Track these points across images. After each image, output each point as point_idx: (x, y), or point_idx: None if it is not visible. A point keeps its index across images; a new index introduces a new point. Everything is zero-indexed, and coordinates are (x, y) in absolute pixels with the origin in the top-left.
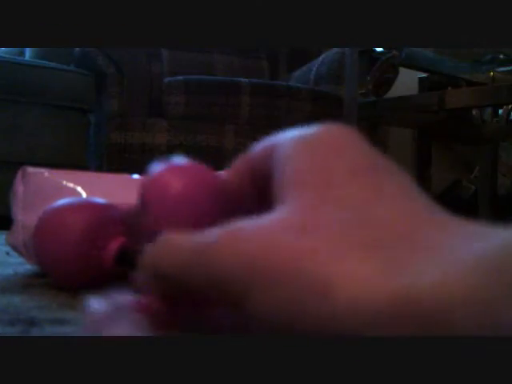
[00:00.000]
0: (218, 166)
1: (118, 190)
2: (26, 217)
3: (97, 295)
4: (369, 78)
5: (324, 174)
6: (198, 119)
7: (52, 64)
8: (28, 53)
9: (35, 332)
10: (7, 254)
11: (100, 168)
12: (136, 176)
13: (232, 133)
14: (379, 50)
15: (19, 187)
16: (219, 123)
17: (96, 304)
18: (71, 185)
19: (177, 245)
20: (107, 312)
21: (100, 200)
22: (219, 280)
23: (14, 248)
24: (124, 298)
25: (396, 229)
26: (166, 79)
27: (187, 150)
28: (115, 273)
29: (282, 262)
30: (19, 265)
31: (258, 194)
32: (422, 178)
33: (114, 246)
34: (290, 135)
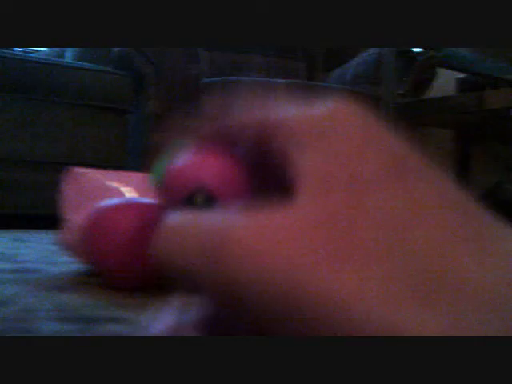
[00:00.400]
0: None
1: None
2: (73, 216)
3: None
4: (407, 78)
5: (351, 172)
6: None
7: (91, 65)
8: (67, 54)
9: (93, 330)
10: (54, 252)
11: (139, 168)
12: None
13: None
14: (417, 50)
15: (67, 188)
16: None
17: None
18: (117, 184)
19: (183, 235)
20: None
21: (145, 199)
22: (229, 288)
23: (65, 247)
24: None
25: (440, 263)
26: (204, 80)
27: None
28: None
29: (313, 296)
30: (68, 263)
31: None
32: (462, 181)
33: None
34: (301, 115)
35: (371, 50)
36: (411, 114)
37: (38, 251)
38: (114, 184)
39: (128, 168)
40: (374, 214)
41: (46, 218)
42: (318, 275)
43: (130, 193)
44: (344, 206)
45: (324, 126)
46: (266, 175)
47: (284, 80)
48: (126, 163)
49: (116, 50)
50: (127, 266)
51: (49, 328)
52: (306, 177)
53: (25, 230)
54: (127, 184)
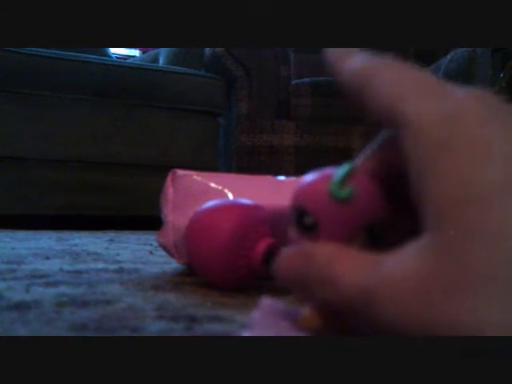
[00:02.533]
0: None
1: (264, 191)
2: (176, 218)
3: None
4: (502, 75)
5: (486, 192)
6: (325, 121)
7: (185, 69)
8: (161, 59)
9: (197, 329)
10: (150, 253)
11: (229, 169)
12: (281, 177)
13: (359, 134)
14: None
15: (169, 189)
16: (346, 124)
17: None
18: (219, 186)
19: (337, 279)
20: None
21: (247, 201)
22: (378, 318)
23: (164, 248)
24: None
25: None
26: (293, 81)
27: (314, 152)
28: (263, 273)
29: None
30: (165, 264)
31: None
32: None
33: (262, 246)
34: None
35: (463, 48)
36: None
37: (135, 252)
38: (218, 186)
39: (219, 170)
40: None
41: (139, 220)
42: (445, 311)
43: (233, 195)
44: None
45: (458, 127)
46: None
47: None
48: (216, 165)
49: (208, 53)
50: (229, 266)
51: (155, 327)
52: (438, 202)
53: (120, 232)
54: (231, 186)
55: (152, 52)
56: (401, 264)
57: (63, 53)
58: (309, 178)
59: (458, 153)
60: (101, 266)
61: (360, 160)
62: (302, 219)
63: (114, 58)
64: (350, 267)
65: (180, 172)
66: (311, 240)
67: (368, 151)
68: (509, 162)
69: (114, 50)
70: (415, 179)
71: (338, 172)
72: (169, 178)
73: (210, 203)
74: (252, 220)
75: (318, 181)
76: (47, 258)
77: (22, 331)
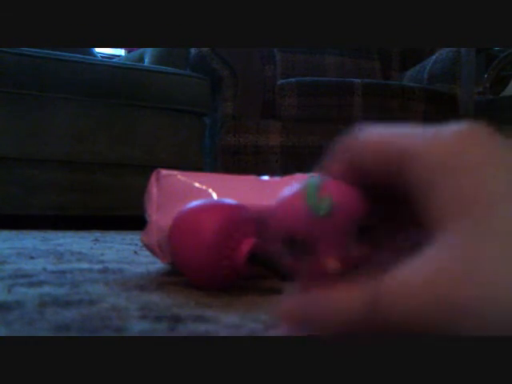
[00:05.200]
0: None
1: (248, 191)
2: (160, 217)
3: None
4: (486, 76)
5: (486, 198)
6: (311, 120)
7: (170, 69)
8: (147, 59)
9: (181, 329)
10: (135, 252)
11: (214, 169)
12: (264, 177)
13: (344, 134)
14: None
15: (153, 189)
16: (332, 124)
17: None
18: (203, 186)
19: (341, 301)
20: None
21: (231, 201)
22: (390, 327)
23: (148, 247)
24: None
25: None
26: (279, 81)
27: (300, 152)
28: (247, 273)
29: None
30: (150, 264)
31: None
32: None
33: (246, 246)
34: (428, 141)
35: (448, 48)
36: (490, 112)
37: (120, 252)
38: (202, 186)
39: (204, 170)
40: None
41: (124, 220)
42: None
43: (217, 194)
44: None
45: (455, 154)
46: (392, 208)
47: (360, 80)
48: (201, 165)
49: (193, 53)
50: (213, 266)
51: (138, 327)
52: (442, 209)
53: (105, 231)
54: (215, 185)
55: (137, 51)
56: (407, 268)
57: (48, 52)
58: (283, 201)
59: (462, 169)
60: (85, 265)
61: (326, 167)
62: (292, 244)
63: (99, 58)
64: (345, 290)
65: (164, 172)
66: (309, 260)
67: (331, 157)
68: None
69: (99, 50)
70: (422, 193)
71: (310, 188)
72: (153, 178)
73: (194, 203)
74: (236, 220)
75: (294, 202)
76: (31, 258)
77: (2, 331)
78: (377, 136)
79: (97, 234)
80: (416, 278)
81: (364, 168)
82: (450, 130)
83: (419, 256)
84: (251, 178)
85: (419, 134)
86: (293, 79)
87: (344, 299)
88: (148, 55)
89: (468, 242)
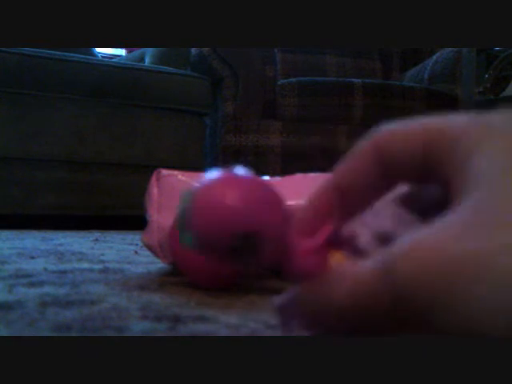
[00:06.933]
0: (331, 168)
1: None
2: (160, 217)
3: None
4: (487, 76)
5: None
6: (311, 120)
7: (170, 69)
8: (147, 59)
9: (181, 329)
10: (136, 253)
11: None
12: (265, 177)
13: (345, 134)
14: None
15: (154, 189)
16: (332, 124)
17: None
18: None
19: (350, 275)
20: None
21: None
22: (404, 299)
23: (149, 247)
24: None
25: None
26: (280, 81)
27: (300, 152)
28: (247, 273)
29: (470, 277)
30: (150, 264)
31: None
32: None
33: None
34: (459, 123)
35: (448, 49)
36: (491, 111)
37: (121, 252)
38: None
39: (204, 169)
40: None
41: (124, 220)
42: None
43: None
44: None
45: (485, 136)
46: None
47: (360, 80)
48: (202, 165)
49: (194, 53)
50: (212, 266)
51: (139, 327)
52: (468, 180)
53: (105, 231)
54: None
55: (138, 51)
56: (425, 230)
57: (48, 52)
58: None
59: (489, 149)
60: (85, 265)
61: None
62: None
63: (100, 58)
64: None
65: (164, 172)
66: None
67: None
68: None
69: (99, 50)
70: (454, 171)
71: (180, 215)
72: (153, 178)
73: None
74: None
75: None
76: (31, 258)
77: (3, 331)
78: (403, 125)
79: (97, 233)
80: (439, 234)
81: (391, 157)
82: (473, 118)
83: (438, 219)
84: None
85: (449, 119)
86: (293, 79)
87: (351, 274)
88: (148, 55)
89: (491, 203)
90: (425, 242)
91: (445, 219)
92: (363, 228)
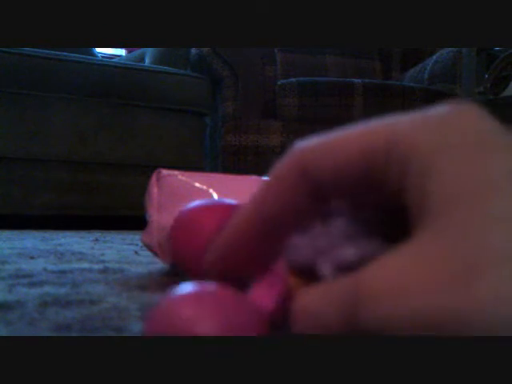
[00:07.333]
0: None
1: (249, 191)
2: (160, 217)
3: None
4: (487, 76)
5: (476, 182)
6: (311, 120)
7: (170, 69)
8: (147, 59)
9: None
10: (136, 252)
11: (215, 169)
12: (265, 177)
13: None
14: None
15: (154, 189)
16: (332, 124)
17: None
18: (203, 186)
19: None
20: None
21: (232, 201)
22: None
23: (149, 247)
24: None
25: None
26: (280, 81)
27: None
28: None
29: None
30: (150, 264)
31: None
32: None
33: None
34: (418, 125)
35: (448, 48)
36: (491, 112)
37: (121, 252)
38: (203, 186)
39: (205, 170)
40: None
41: (124, 220)
42: (456, 297)
43: (218, 194)
44: (470, 223)
45: (443, 137)
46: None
47: (360, 80)
48: (202, 165)
49: (194, 53)
50: None
51: (138, 326)
52: (432, 201)
53: (105, 231)
54: (216, 185)
55: (138, 51)
56: (393, 258)
57: (48, 52)
58: None
59: (457, 151)
60: (85, 265)
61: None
62: None
63: (100, 58)
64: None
65: (165, 172)
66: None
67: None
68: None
69: (99, 50)
70: (417, 180)
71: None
72: (153, 178)
73: (195, 203)
74: None
75: None
76: (31, 258)
77: (3, 331)
78: (325, 138)
79: (97, 233)
80: (401, 273)
81: (320, 174)
82: (440, 112)
83: (407, 245)
84: (252, 178)
85: (403, 120)
86: (293, 79)
87: (319, 303)
88: (148, 55)
89: (467, 229)
90: (392, 285)
91: (423, 241)
92: (309, 247)
